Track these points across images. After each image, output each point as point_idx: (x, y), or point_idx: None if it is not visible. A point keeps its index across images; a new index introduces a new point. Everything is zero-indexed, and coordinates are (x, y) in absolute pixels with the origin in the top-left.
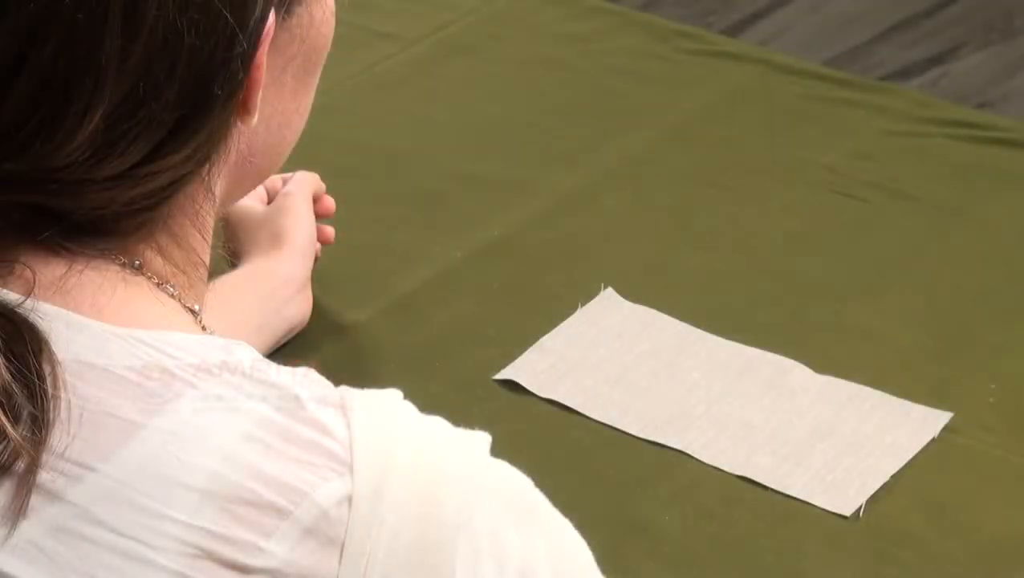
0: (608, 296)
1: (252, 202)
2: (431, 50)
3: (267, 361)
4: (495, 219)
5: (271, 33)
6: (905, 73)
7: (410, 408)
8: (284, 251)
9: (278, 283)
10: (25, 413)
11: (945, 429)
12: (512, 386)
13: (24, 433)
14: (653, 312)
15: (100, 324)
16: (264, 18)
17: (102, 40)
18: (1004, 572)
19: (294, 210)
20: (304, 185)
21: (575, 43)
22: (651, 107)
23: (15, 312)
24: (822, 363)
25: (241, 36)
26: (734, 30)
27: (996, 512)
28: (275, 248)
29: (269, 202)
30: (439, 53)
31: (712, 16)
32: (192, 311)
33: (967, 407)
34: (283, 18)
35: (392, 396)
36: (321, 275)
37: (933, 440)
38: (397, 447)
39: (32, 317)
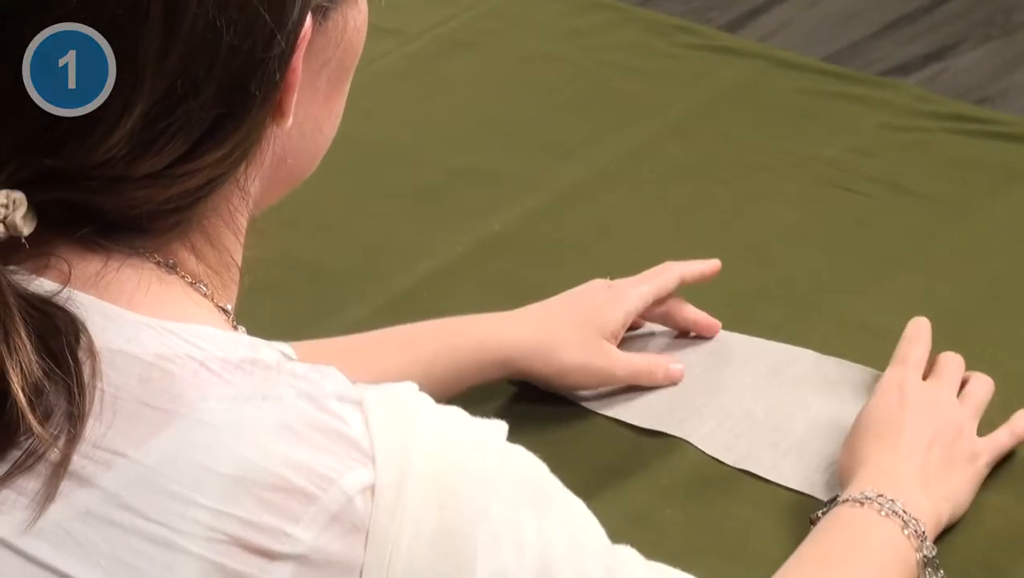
0: None
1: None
2: (431, 45)
3: (291, 360)
4: (495, 214)
5: (308, 37)
6: (904, 69)
7: (426, 400)
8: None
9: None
10: (59, 408)
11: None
12: (513, 382)
13: (56, 428)
14: None
15: (133, 314)
16: (301, 21)
17: (142, 37)
18: (1006, 565)
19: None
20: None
21: (575, 38)
22: (651, 102)
23: (50, 301)
24: None
25: (279, 37)
26: (734, 26)
27: (997, 506)
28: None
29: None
30: (439, 48)
31: (712, 12)
32: (224, 311)
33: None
34: (319, 23)
35: (408, 389)
36: (322, 271)
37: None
38: (415, 440)
39: (68, 305)
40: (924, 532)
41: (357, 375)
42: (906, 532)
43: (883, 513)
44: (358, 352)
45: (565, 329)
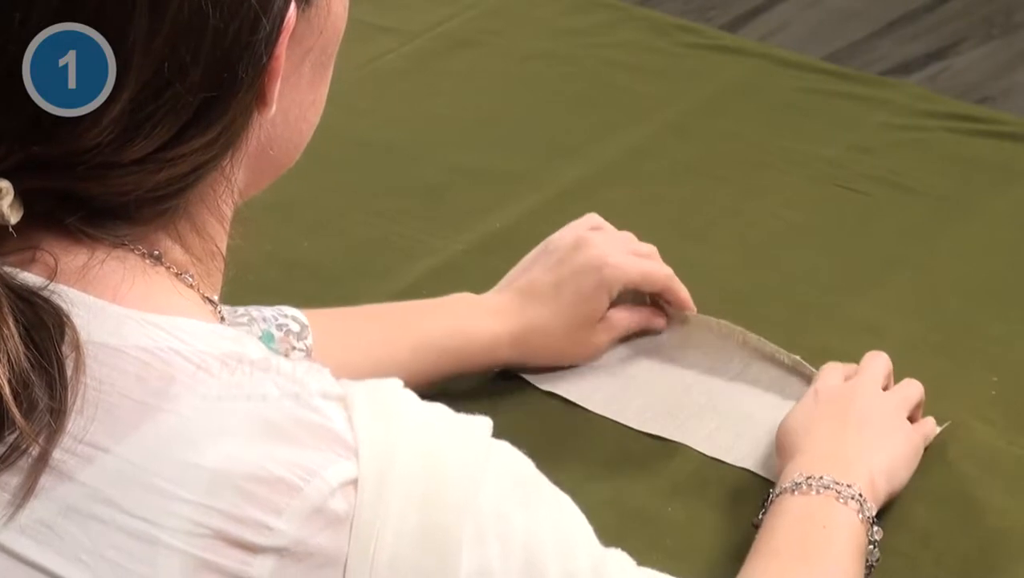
0: None
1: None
2: (432, 44)
3: (276, 354)
4: (496, 212)
5: (292, 24)
6: (905, 68)
7: (410, 396)
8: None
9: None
10: (43, 402)
11: (947, 421)
12: (513, 379)
13: (39, 423)
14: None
15: (117, 307)
16: (286, 6)
17: (129, 21)
18: (1006, 564)
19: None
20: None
21: (576, 37)
22: (652, 101)
23: (37, 293)
24: (823, 356)
25: (265, 21)
26: (734, 25)
27: (997, 504)
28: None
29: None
30: (440, 47)
31: (712, 11)
32: (211, 301)
33: (968, 399)
34: (303, 9)
35: (392, 386)
36: (322, 269)
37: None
38: (399, 435)
39: (55, 299)
40: (861, 494)
41: (342, 348)
42: (840, 501)
43: (814, 492)
44: (349, 328)
45: (551, 322)
